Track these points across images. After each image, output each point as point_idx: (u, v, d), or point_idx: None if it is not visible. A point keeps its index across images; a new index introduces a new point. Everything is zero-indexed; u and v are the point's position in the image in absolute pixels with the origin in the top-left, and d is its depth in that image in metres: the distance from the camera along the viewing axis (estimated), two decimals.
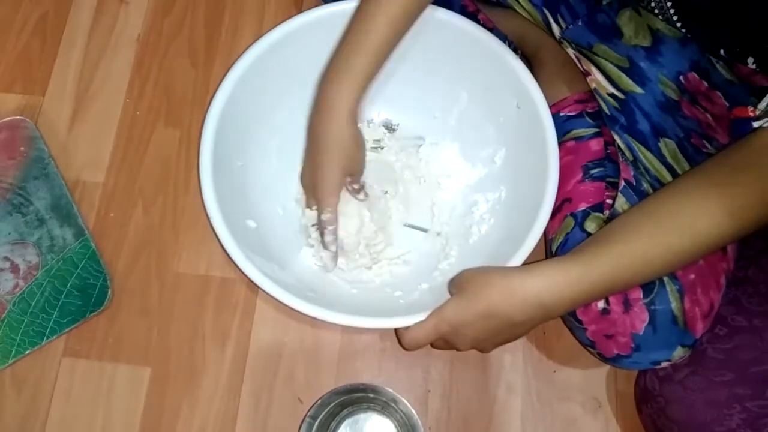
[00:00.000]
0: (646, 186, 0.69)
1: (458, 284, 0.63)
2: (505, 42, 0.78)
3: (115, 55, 0.96)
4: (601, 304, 0.66)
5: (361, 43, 0.66)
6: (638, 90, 0.71)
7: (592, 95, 0.75)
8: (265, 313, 0.84)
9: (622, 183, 0.69)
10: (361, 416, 0.77)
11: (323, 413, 0.76)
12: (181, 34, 0.97)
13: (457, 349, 0.64)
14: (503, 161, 0.80)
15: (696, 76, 0.68)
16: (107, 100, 0.94)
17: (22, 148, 0.88)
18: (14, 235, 0.85)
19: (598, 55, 0.72)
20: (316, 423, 0.76)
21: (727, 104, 0.67)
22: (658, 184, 0.69)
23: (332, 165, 0.69)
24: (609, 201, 0.71)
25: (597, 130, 0.76)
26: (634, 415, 0.76)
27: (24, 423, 0.80)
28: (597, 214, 0.71)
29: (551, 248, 0.74)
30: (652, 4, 0.66)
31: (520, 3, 0.77)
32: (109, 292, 0.83)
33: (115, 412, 0.80)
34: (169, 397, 0.81)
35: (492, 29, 0.80)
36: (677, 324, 0.65)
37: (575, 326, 0.69)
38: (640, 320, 0.65)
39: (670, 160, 0.70)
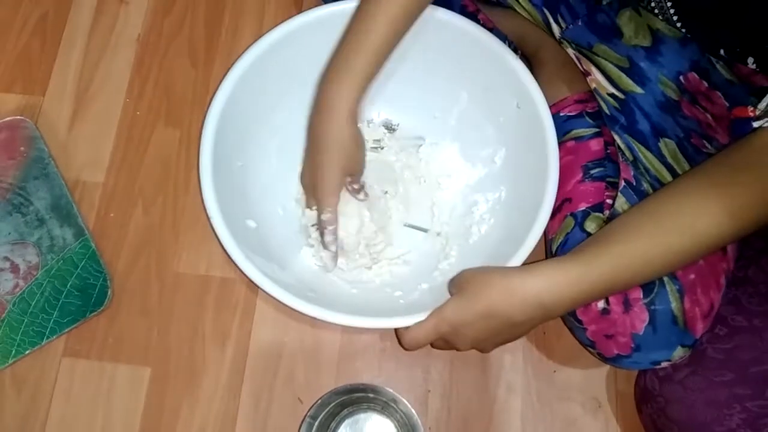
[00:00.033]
0: (646, 186, 0.69)
1: (458, 284, 0.63)
2: (505, 42, 0.78)
3: (115, 55, 0.96)
4: (601, 304, 0.66)
5: (362, 42, 0.66)
6: (638, 90, 0.71)
7: (592, 95, 0.75)
8: (265, 313, 0.84)
9: (622, 183, 0.69)
10: (361, 416, 0.77)
11: (323, 413, 0.76)
12: (181, 34, 0.97)
13: (457, 349, 0.64)
14: (503, 161, 0.80)
15: (696, 76, 0.68)
16: (107, 100, 0.94)
17: (22, 148, 0.88)
18: (14, 235, 0.85)
19: (598, 55, 0.72)
20: (316, 423, 0.76)
21: (727, 104, 0.67)
22: (658, 184, 0.69)
23: (332, 165, 0.69)
24: (609, 201, 0.71)
25: (597, 130, 0.76)
26: (634, 415, 0.76)
27: (24, 423, 0.80)
28: (597, 214, 0.71)
29: (551, 248, 0.74)
30: (652, 4, 0.66)
31: (520, 3, 0.77)
32: (109, 292, 0.83)
33: (115, 412, 0.80)
34: (169, 397, 0.81)
35: (492, 29, 0.80)
36: (677, 324, 0.65)
37: (575, 326, 0.69)
38: (640, 320, 0.65)
39: (670, 160, 0.70)
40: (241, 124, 0.77)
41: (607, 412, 0.80)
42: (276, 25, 0.76)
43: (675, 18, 0.65)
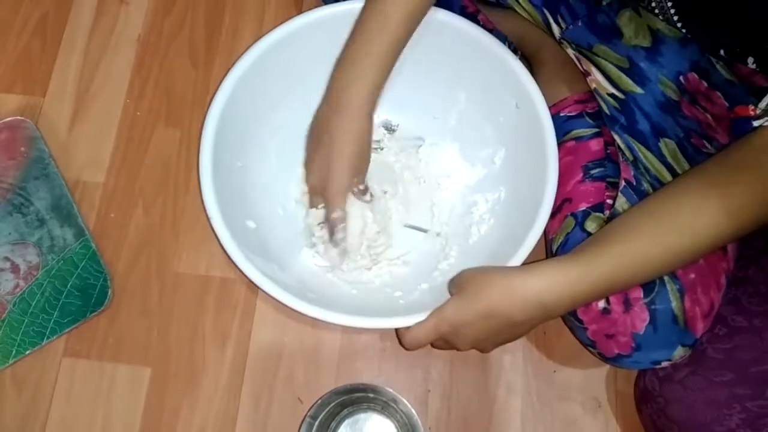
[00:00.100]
0: (646, 186, 0.69)
1: (458, 284, 0.63)
2: (505, 43, 0.78)
3: (116, 55, 0.96)
4: (601, 303, 0.66)
5: (377, 36, 0.65)
6: (638, 90, 0.71)
7: (592, 95, 0.75)
8: (265, 314, 0.84)
9: (622, 183, 0.69)
10: (361, 416, 0.77)
11: (323, 413, 0.76)
12: (182, 34, 0.98)
13: (458, 349, 0.64)
14: (503, 161, 0.80)
15: (696, 76, 0.68)
16: (107, 100, 0.94)
17: (22, 149, 0.88)
18: (15, 235, 0.85)
19: (598, 56, 0.72)
20: (316, 423, 0.76)
21: (726, 104, 0.67)
22: (658, 184, 0.69)
23: (345, 163, 0.69)
24: (609, 201, 0.71)
25: (597, 130, 0.76)
26: (634, 415, 0.76)
27: (24, 423, 0.80)
28: (597, 214, 0.71)
29: (551, 248, 0.74)
30: (653, 4, 0.66)
31: (520, 3, 0.77)
32: (109, 292, 0.83)
33: (115, 412, 0.80)
34: (169, 397, 0.81)
35: (492, 30, 0.80)
36: (678, 323, 0.65)
37: (576, 326, 0.69)
38: (641, 320, 0.65)
39: (670, 160, 0.70)
40: (241, 125, 0.77)
41: (607, 412, 0.80)
42: (276, 25, 0.76)
43: (675, 18, 0.65)
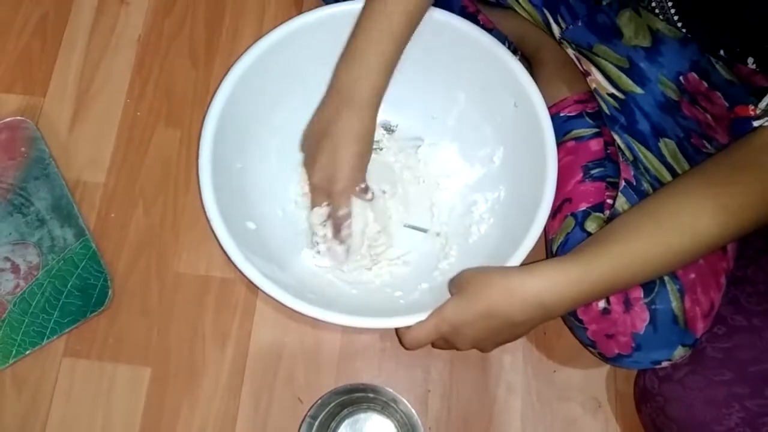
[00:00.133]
0: (646, 186, 0.69)
1: (458, 284, 0.63)
2: (505, 43, 0.78)
3: (116, 55, 0.96)
4: (601, 303, 0.66)
5: (381, 32, 0.66)
6: (638, 90, 0.71)
7: (592, 95, 0.76)
8: (265, 314, 0.84)
9: (622, 183, 0.69)
10: (361, 416, 0.77)
11: (323, 413, 0.76)
12: (182, 34, 0.98)
13: (458, 349, 0.64)
14: (502, 161, 0.80)
15: (696, 76, 0.69)
16: (108, 100, 0.94)
17: (22, 149, 0.88)
18: (15, 235, 0.85)
19: (598, 56, 0.72)
20: (316, 423, 0.76)
21: (726, 104, 0.67)
22: (658, 184, 0.69)
23: (351, 161, 0.69)
24: (609, 201, 0.71)
25: (597, 130, 0.76)
26: (633, 415, 0.76)
27: (24, 423, 0.80)
28: (597, 214, 0.71)
29: (552, 248, 0.74)
30: (653, 4, 0.66)
31: (520, 3, 0.77)
32: (109, 292, 0.83)
33: (115, 412, 0.80)
34: (169, 397, 0.81)
35: (492, 30, 0.80)
36: (678, 323, 0.65)
37: (576, 326, 0.69)
38: (641, 320, 0.65)
39: (670, 160, 0.70)
40: (241, 125, 0.77)
41: (606, 411, 0.80)
42: (276, 25, 0.76)
43: (675, 18, 0.65)
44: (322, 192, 0.73)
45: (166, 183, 0.90)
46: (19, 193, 0.86)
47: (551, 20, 0.75)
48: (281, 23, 0.76)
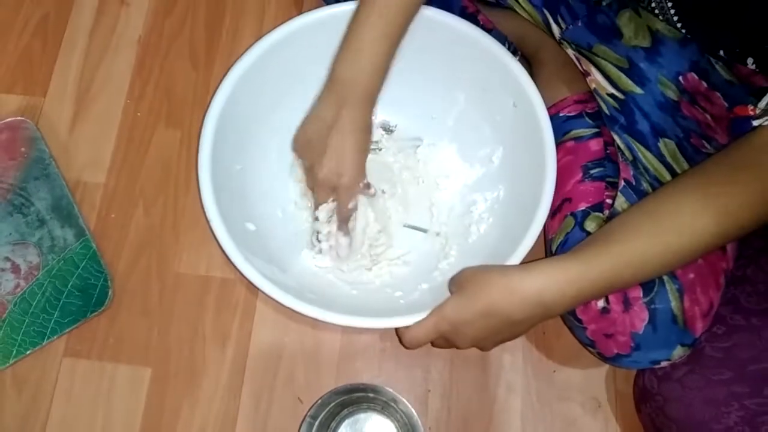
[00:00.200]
0: (645, 186, 0.69)
1: (458, 283, 0.63)
2: (504, 43, 0.78)
3: (116, 56, 0.97)
4: (600, 303, 0.66)
5: (377, 26, 0.65)
6: (638, 90, 0.71)
7: (591, 95, 0.76)
8: (265, 314, 0.84)
9: (622, 183, 0.69)
10: (361, 416, 0.77)
11: (323, 413, 0.76)
12: (182, 35, 0.98)
13: (457, 348, 0.64)
14: (501, 160, 0.80)
15: (695, 76, 0.69)
16: (108, 101, 0.94)
17: (23, 149, 0.88)
18: (15, 235, 0.85)
19: (598, 56, 0.72)
20: (317, 423, 0.76)
21: (726, 105, 0.67)
22: (658, 184, 0.69)
23: (359, 153, 0.69)
24: (609, 201, 0.71)
25: (596, 130, 0.76)
26: (633, 414, 0.76)
27: (24, 423, 0.80)
28: (597, 213, 0.71)
29: (551, 248, 0.74)
30: (653, 5, 0.66)
31: (520, 4, 0.77)
32: (109, 293, 0.83)
33: (115, 413, 0.80)
34: (170, 397, 0.81)
35: (492, 30, 0.80)
36: (677, 323, 0.65)
37: (575, 325, 0.69)
38: (640, 319, 0.65)
39: (669, 160, 0.70)
40: (241, 125, 0.77)
41: (606, 411, 0.80)
42: (276, 25, 0.76)
43: (675, 18, 0.65)
44: (327, 187, 0.72)
45: (167, 183, 0.90)
46: (19, 193, 0.86)
47: (551, 20, 0.75)
48: (281, 23, 0.76)
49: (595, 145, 0.75)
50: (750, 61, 0.62)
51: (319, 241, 0.77)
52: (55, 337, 0.81)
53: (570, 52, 0.75)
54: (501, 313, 0.59)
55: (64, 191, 0.87)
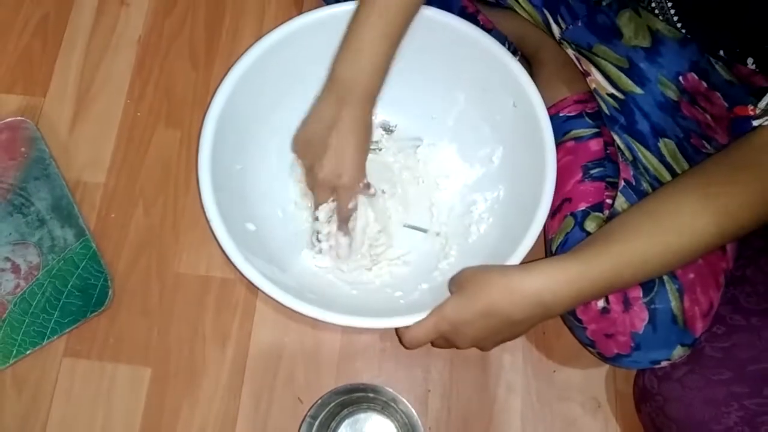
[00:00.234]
0: (645, 186, 0.69)
1: (458, 283, 0.63)
2: (504, 43, 0.78)
3: (116, 56, 0.97)
4: (600, 303, 0.66)
5: (377, 26, 0.65)
6: (638, 90, 0.71)
7: (591, 95, 0.76)
8: (265, 314, 0.84)
9: (622, 183, 0.69)
10: (361, 416, 0.77)
11: (323, 413, 0.76)
12: (182, 35, 0.98)
13: (457, 348, 0.64)
14: (501, 161, 0.80)
15: (695, 76, 0.69)
16: (108, 101, 0.94)
17: (23, 149, 0.88)
18: (15, 235, 0.85)
19: (598, 56, 0.72)
20: (317, 423, 0.76)
21: (726, 105, 0.67)
22: (658, 184, 0.69)
23: (360, 152, 0.69)
24: (609, 201, 0.71)
25: (596, 130, 0.76)
26: (633, 414, 0.76)
27: (24, 423, 0.80)
28: (597, 213, 0.71)
29: (551, 248, 0.74)
30: (653, 5, 0.66)
31: (520, 4, 0.77)
32: (109, 293, 0.83)
33: (115, 413, 0.80)
34: (170, 397, 0.81)
35: (492, 30, 0.80)
36: (677, 323, 0.65)
37: (575, 325, 0.69)
38: (640, 319, 0.65)
39: (669, 160, 0.70)
40: (241, 125, 0.77)
41: (606, 411, 0.80)
42: (276, 25, 0.76)
43: (675, 18, 0.65)
44: (327, 187, 0.72)
45: (167, 183, 0.90)
46: (19, 194, 0.86)
47: (551, 20, 0.75)
48: (281, 23, 0.76)
49: (595, 145, 0.75)
50: (750, 61, 0.62)
51: (319, 241, 0.77)
52: (55, 337, 0.81)
53: (570, 52, 0.75)
54: (501, 313, 0.59)
55: (64, 191, 0.87)
